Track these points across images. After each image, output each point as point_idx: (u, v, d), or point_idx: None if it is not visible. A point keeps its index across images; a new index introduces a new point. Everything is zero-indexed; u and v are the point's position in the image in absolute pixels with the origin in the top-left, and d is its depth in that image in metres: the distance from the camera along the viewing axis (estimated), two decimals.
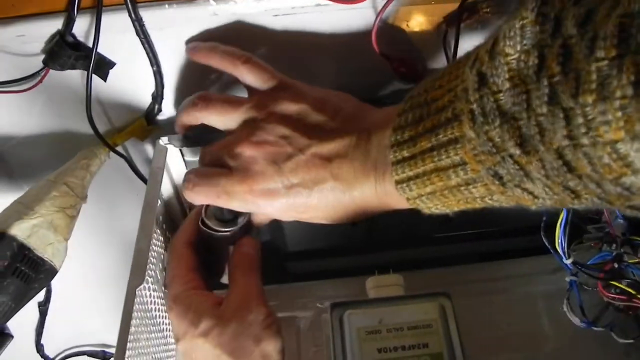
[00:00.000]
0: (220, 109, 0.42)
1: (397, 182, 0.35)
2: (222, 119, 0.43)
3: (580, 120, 0.23)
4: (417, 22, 0.46)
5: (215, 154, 0.42)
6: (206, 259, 0.45)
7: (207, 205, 0.44)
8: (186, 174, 0.43)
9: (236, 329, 0.39)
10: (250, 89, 0.44)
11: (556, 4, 0.25)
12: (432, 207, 0.36)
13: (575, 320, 0.54)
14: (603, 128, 0.22)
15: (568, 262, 0.50)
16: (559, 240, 0.49)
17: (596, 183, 0.25)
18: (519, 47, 0.26)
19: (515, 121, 0.27)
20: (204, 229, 0.44)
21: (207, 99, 0.43)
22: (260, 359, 0.39)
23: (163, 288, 0.49)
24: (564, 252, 0.50)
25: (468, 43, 0.48)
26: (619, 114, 0.21)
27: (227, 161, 0.41)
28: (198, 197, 0.42)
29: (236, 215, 0.43)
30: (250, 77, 0.43)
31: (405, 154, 0.34)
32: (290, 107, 0.40)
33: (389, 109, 0.38)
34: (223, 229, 0.43)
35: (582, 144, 0.24)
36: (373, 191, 0.38)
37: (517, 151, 0.28)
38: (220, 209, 0.43)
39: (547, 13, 0.25)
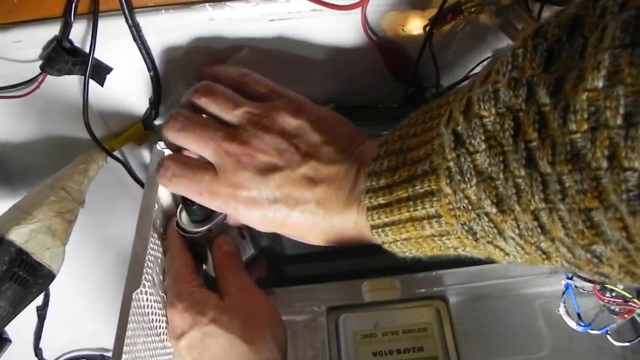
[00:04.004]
0: (221, 102, 0.41)
1: (373, 227, 0.36)
2: (221, 113, 0.41)
3: (557, 187, 0.24)
4: (414, 26, 0.47)
5: (204, 142, 0.40)
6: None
7: (180, 207, 0.46)
8: (163, 159, 0.41)
9: (246, 315, 0.41)
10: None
11: (526, 70, 0.26)
12: (407, 251, 0.37)
13: (572, 324, 0.54)
14: (579, 197, 0.23)
15: None
16: None
17: (568, 247, 0.26)
18: (493, 110, 0.27)
19: (492, 181, 0.28)
20: (179, 231, 0.45)
21: (210, 88, 0.41)
22: (272, 342, 0.41)
23: (160, 292, 0.49)
24: None
25: (460, 46, 0.48)
26: (594, 184, 0.22)
27: (215, 156, 0.40)
28: (176, 187, 0.41)
29: (209, 213, 0.44)
30: (248, 90, 0.42)
31: (381, 200, 0.35)
32: (290, 122, 0.40)
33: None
34: (196, 230, 0.45)
35: (558, 208, 0.25)
36: (353, 223, 0.38)
37: (492, 210, 0.28)
38: (193, 211, 0.44)
39: (518, 78, 0.26)
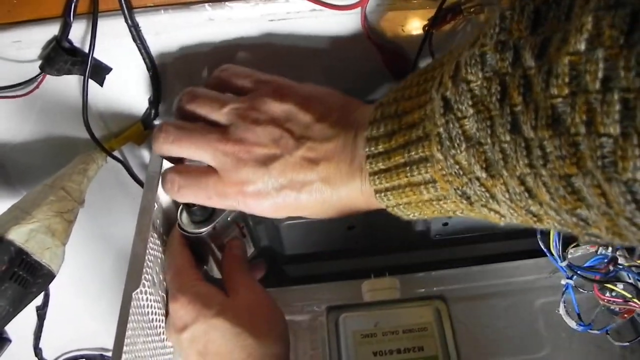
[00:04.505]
0: (207, 105, 0.41)
1: (376, 192, 0.36)
2: (210, 114, 0.41)
3: (539, 152, 0.24)
4: (413, 26, 0.46)
5: (200, 148, 0.40)
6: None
7: (180, 210, 0.46)
8: (165, 173, 0.42)
9: (251, 312, 0.42)
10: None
11: (514, 32, 0.26)
12: (410, 214, 0.37)
13: (572, 324, 0.54)
14: (558, 162, 0.23)
15: (563, 264, 0.50)
16: (554, 243, 0.49)
17: (555, 211, 0.26)
18: (480, 75, 0.27)
19: (481, 146, 0.28)
20: (182, 232, 0.45)
21: (192, 93, 0.42)
22: (277, 337, 0.41)
23: (160, 292, 0.49)
24: (559, 255, 0.50)
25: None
26: (573, 150, 0.22)
27: (214, 159, 0.40)
28: (185, 197, 0.42)
29: (210, 213, 0.45)
30: (231, 85, 0.43)
31: (381, 166, 0.35)
32: (277, 108, 0.40)
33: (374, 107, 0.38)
34: (198, 230, 0.45)
35: (541, 174, 0.25)
36: (359, 192, 0.38)
37: (483, 174, 0.28)
38: (194, 211, 0.44)
39: (505, 41, 0.26)
